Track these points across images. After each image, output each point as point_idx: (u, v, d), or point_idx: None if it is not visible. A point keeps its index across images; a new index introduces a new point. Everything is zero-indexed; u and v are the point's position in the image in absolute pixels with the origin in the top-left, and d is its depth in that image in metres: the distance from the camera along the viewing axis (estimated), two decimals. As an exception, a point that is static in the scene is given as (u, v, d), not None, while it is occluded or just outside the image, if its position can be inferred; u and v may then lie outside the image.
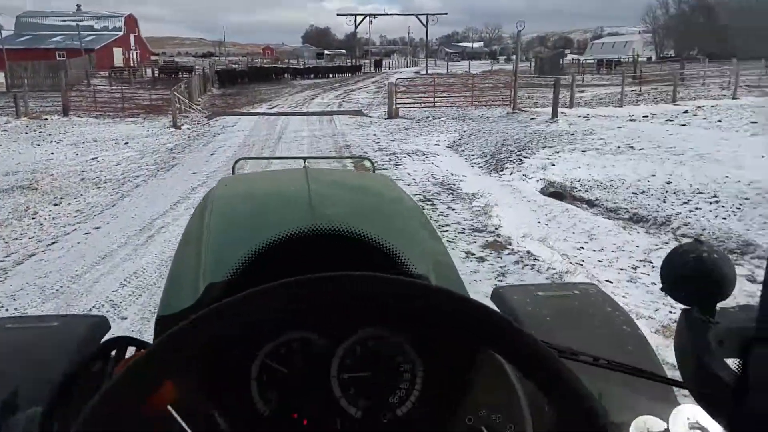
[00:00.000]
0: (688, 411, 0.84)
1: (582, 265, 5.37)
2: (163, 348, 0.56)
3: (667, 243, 6.21)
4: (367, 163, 2.67)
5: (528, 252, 5.38)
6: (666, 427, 0.82)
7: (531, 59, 48.04)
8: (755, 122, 13.35)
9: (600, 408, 0.60)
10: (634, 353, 1.26)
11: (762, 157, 9.26)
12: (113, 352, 0.91)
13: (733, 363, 0.71)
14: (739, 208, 7.17)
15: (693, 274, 0.77)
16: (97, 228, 6.59)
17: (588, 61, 48.29)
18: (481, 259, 5.27)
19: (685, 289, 0.78)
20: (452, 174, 9.41)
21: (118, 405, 0.54)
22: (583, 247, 5.86)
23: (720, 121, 14.12)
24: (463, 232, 6.10)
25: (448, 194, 8.01)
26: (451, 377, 0.90)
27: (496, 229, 6.16)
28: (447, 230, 6.14)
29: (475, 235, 5.99)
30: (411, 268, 0.92)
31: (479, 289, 4.21)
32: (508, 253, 5.39)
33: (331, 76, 47.52)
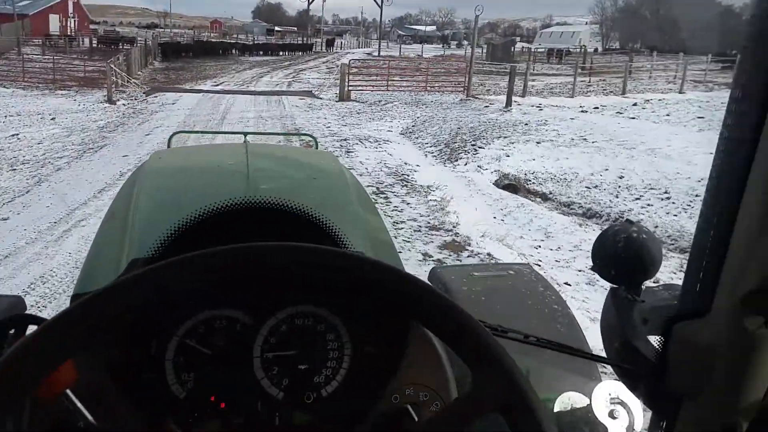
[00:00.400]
0: (610, 387, 0.87)
1: (540, 265, 5.17)
2: (64, 323, 0.52)
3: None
4: (317, 145, 2.59)
5: (488, 254, 5.11)
6: (589, 402, 0.87)
7: (482, 46, 48.07)
8: (702, 117, 13.59)
9: (526, 382, 0.58)
10: (563, 331, 1.33)
11: (711, 153, 9.37)
12: (11, 331, 0.81)
13: (655, 340, 0.72)
14: (690, 205, 7.19)
15: (621, 254, 0.80)
16: (4, 219, 5.84)
17: (539, 50, 48.77)
18: (440, 263, 4.93)
19: (613, 269, 0.81)
20: (406, 163, 9.06)
21: (7, 386, 0.49)
22: (540, 246, 5.68)
23: (668, 115, 14.32)
24: (419, 231, 5.74)
25: (403, 186, 7.65)
26: (379, 355, 0.87)
27: (454, 227, 5.84)
28: (402, 228, 5.77)
29: (432, 234, 5.65)
30: (347, 243, 0.91)
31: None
32: (468, 256, 5.09)
33: (281, 53, 46.65)
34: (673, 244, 6.11)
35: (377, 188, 7.40)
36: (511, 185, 8.39)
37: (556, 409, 1.01)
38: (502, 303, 1.44)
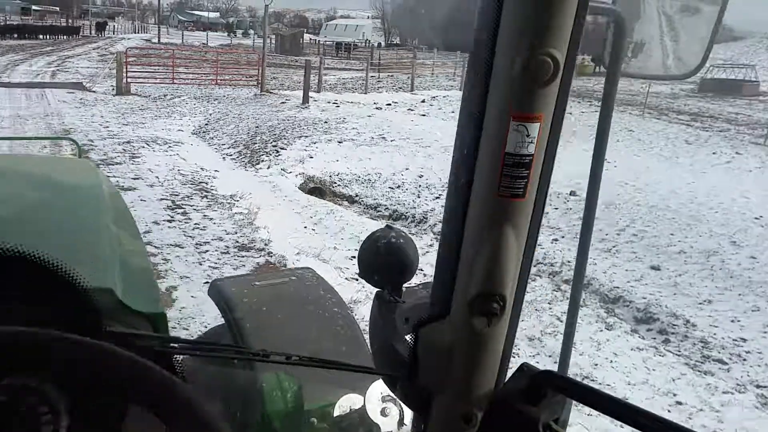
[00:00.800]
0: (381, 386, 0.93)
1: (358, 280, 5.02)
2: None
3: (430, 245, 6.22)
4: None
5: (307, 276, 4.77)
6: (363, 402, 0.96)
7: (271, 36, 47.31)
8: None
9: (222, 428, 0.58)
10: (342, 332, 1.38)
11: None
12: None
13: (412, 340, 0.75)
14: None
15: (383, 259, 0.84)
16: None
17: (327, 43, 49.53)
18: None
19: (376, 274, 0.84)
20: (203, 169, 8.30)
21: None
22: (354, 256, 5.52)
23: (453, 112, 15.39)
24: (228, 253, 5.17)
25: (202, 197, 6.93)
26: (102, 417, 0.78)
27: (266, 244, 5.39)
28: (207, 251, 5.15)
29: (243, 257, 5.13)
30: (87, 283, 0.78)
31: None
32: (285, 280, 4.69)
33: (41, 37, 41.12)
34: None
35: (173, 201, 6.61)
36: (317, 189, 8.19)
37: (335, 414, 1.05)
38: (284, 311, 1.46)
